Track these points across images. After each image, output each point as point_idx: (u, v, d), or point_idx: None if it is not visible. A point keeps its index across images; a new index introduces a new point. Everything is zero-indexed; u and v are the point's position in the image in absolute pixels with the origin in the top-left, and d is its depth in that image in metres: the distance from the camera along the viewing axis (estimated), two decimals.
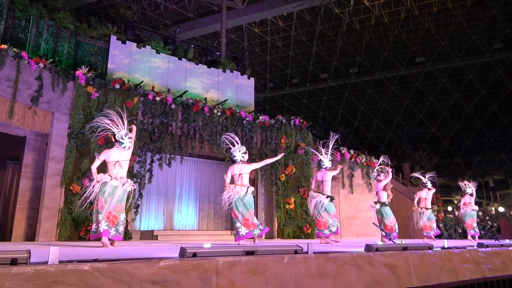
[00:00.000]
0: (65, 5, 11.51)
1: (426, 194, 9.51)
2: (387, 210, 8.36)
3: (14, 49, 8.33)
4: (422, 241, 7.63)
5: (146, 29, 13.18)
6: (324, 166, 7.89)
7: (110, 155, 5.35)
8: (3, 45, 8.21)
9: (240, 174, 6.37)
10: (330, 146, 7.98)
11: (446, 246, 4.85)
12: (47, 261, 2.39)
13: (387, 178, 8.61)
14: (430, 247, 4.41)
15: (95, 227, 5.15)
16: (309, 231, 11.54)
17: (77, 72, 9.27)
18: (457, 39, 27.83)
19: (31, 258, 2.36)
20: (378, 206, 8.40)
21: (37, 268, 2.16)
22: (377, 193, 8.66)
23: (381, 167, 8.88)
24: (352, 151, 12.98)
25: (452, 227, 14.51)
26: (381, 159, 9.06)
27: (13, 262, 2.22)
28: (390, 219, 8.28)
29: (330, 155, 8.00)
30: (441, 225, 14.21)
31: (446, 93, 29.76)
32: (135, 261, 2.56)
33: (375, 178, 8.72)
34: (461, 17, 25.86)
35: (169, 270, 2.57)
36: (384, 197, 8.56)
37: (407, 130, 30.06)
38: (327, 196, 7.64)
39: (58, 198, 8.54)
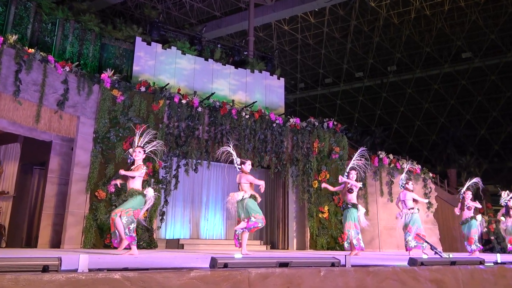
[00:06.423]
0: (90, 7, 11.98)
1: None
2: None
3: (41, 53, 8.73)
4: (471, 255, 7.39)
5: (171, 29, 13.49)
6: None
7: None
8: (30, 49, 8.63)
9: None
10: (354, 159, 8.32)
11: (499, 261, 4.67)
12: (77, 269, 2.50)
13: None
14: (482, 262, 4.26)
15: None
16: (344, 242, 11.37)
17: (102, 75, 9.60)
18: (508, 31, 26.73)
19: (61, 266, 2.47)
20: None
21: (68, 275, 2.27)
22: (403, 201, 8.50)
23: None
24: (391, 156, 12.69)
25: (505, 240, 13.88)
26: (407, 164, 9.09)
27: (45, 269, 2.34)
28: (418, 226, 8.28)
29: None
30: (492, 238, 13.64)
31: (497, 91, 28.60)
32: (165, 271, 2.63)
33: (403, 186, 8.57)
34: None
35: (200, 281, 2.62)
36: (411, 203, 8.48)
37: (453, 132, 29.11)
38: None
39: (83, 205, 8.85)
